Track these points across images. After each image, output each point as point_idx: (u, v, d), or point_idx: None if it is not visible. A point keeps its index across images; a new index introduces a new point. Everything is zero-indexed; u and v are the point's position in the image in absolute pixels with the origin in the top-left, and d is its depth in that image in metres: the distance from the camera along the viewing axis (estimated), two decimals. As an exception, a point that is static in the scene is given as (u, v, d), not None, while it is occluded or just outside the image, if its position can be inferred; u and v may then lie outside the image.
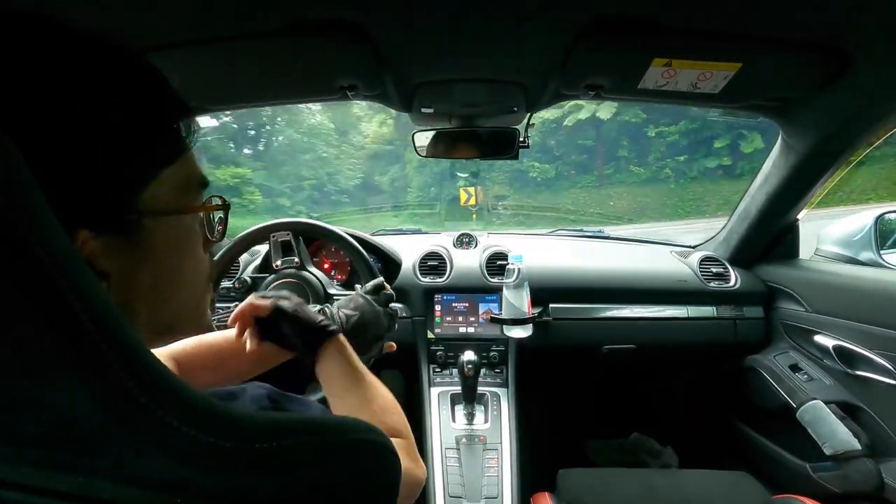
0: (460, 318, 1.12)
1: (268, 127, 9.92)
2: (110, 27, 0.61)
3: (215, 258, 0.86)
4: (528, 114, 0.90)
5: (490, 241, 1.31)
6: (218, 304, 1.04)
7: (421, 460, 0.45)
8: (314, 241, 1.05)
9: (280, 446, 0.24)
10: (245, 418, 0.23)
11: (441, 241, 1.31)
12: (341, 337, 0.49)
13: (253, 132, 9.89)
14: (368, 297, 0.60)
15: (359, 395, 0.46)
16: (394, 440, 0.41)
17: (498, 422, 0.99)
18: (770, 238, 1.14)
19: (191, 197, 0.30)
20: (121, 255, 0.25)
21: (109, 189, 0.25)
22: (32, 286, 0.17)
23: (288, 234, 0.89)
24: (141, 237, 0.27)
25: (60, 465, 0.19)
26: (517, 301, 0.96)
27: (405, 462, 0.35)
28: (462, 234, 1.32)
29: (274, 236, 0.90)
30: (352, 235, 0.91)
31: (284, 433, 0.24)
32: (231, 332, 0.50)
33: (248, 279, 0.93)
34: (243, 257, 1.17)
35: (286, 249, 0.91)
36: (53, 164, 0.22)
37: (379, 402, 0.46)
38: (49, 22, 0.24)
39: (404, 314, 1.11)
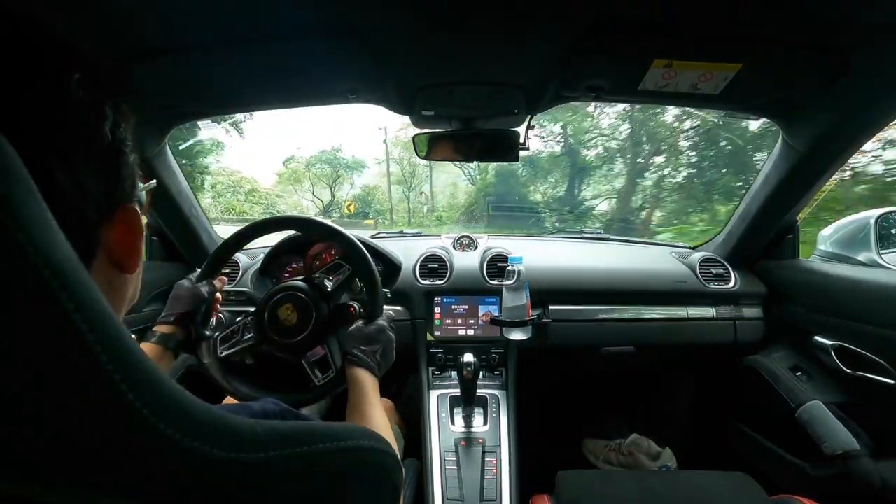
0: (460, 321, 1.12)
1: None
2: (114, 30, 0.61)
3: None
4: (529, 116, 0.89)
5: (490, 243, 1.31)
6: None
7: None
8: (311, 243, 1.04)
9: (281, 455, 0.24)
10: (245, 428, 0.23)
11: (441, 243, 1.30)
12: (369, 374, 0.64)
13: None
14: (386, 324, 0.70)
15: (367, 411, 0.59)
16: None
17: (497, 424, 0.99)
18: (770, 238, 1.14)
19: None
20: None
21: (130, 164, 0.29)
22: (29, 296, 0.17)
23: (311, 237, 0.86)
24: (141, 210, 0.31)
25: (60, 479, 0.19)
26: (517, 303, 0.96)
27: None
28: (462, 237, 1.31)
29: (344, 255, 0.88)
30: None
31: (285, 442, 0.24)
32: None
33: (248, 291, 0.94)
34: (242, 259, 1.17)
35: (294, 253, 0.90)
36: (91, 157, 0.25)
37: (376, 423, 0.58)
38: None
39: (404, 317, 1.11)
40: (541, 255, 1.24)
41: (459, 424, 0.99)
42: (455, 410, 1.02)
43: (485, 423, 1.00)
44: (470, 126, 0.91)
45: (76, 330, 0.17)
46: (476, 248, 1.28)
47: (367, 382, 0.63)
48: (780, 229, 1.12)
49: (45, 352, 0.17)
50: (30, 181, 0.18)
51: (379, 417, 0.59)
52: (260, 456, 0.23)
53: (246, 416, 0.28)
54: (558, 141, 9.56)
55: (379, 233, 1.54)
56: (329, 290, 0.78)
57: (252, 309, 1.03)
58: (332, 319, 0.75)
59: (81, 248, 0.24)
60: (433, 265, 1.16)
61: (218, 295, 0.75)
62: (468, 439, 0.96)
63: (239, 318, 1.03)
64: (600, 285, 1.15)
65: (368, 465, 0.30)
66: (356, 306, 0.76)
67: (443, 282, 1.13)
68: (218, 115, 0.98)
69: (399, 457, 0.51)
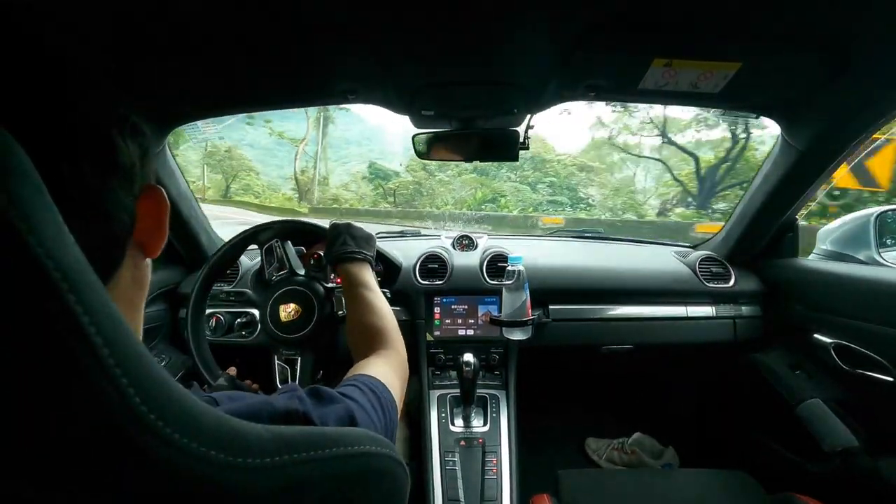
0: (459, 321, 1.12)
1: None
2: (115, 31, 0.61)
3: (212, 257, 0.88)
4: (529, 115, 0.89)
5: (490, 242, 1.30)
6: (217, 310, 1.04)
7: (406, 370, 0.55)
8: (310, 243, 1.04)
9: (287, 461, 0.24)
10: (252, 434, 0.23)
11: (440, 243, 1.30)
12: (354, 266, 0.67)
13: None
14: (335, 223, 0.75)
15: (365, 301, 0.62)
16: (376, 356, 0.52)
17: (497, 424, 0.99)
18: (770, 237, 1.14)
19: None
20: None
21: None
22: (38, 298, 0.16)
23: (275, 241, 0.87)
24: None
25: (61, 483, 0.19)
26: (517, 303, 0.96)
27: (389, 377, 0.45)
28: (462, 236, 1.31)
29: (262, 243, 0.88)
30: None
31: (291, 448, 0.24)
32: None
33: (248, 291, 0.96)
34: (243, 261, 1.17)
35: (275, 256, 0.89)
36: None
37: (378, 308, 0.60)
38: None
39: (404, 317, 1.11)
40: (540, 254, 1.24)
41: (459, 424, 0.99)
42: (455, 410, 1.02)
43: (485, 423, 1.00)
44: (470, 126, 0.91)
45: (84, 333, 0.17)
46: (476, 247, 1.28)
47: (353, 271, 0.66)
48: (780, 228, 1.12)
49: (52, 354, 0.17)
50: (39, 181, 0.17)
51: (381, 305, 0.61)
52: (266, 461, 0.23)
53: (267, 415, 0.29)
54: None
55: (379, 233, 1.54)
56: (328, 285, 0.79)
57: (253, 310, 1.03)
58: (333, 313, 0.75)
59: (128, 218, 0.27)
60: (433, 265, 1.16)
61: (245, 381, 0.77)
62: (468, 439, 0.96)
63: (239, 319, 1.04)
64: (600, 285, 1.15)
65: (375, 472, 0.29)
66: (319, 253, 0.83)
67: (442, 282, 1.13)
68: (218, 116, 0.98)
69: (406, 460, 0.52)
